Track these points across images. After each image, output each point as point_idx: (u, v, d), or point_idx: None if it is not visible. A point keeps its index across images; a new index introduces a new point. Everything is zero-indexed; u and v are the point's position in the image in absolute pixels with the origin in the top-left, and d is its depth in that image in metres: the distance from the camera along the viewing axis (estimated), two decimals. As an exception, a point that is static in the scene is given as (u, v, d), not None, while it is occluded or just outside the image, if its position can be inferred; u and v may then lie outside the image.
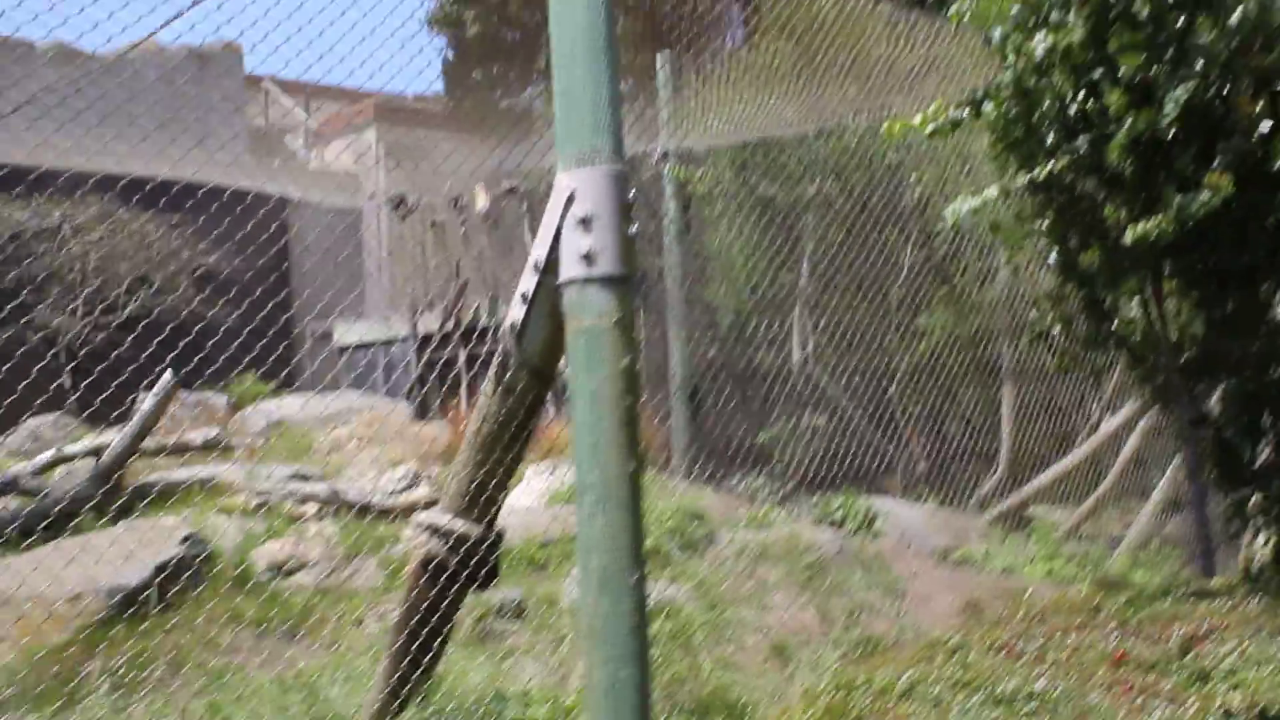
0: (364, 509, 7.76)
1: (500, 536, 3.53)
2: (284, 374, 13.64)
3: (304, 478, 8.54)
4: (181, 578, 5.37)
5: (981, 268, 10.10)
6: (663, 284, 10.77)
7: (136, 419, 8.14)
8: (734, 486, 10.45)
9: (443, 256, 13.39)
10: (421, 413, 12.29)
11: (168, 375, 8.23)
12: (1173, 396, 6.14)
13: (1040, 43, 5.36)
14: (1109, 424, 9.95)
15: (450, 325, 12.80)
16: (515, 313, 3.08)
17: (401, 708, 3.62)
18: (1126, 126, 5.27)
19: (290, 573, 5.91)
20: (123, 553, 5.36)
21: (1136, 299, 6.08)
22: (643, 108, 10.48)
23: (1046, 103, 5.67)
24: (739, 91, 9.29)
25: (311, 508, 7.76)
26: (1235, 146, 5.28)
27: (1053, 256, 6.14)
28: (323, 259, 15.31)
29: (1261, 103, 5.26)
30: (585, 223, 2.85)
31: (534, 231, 12.50)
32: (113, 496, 7.69)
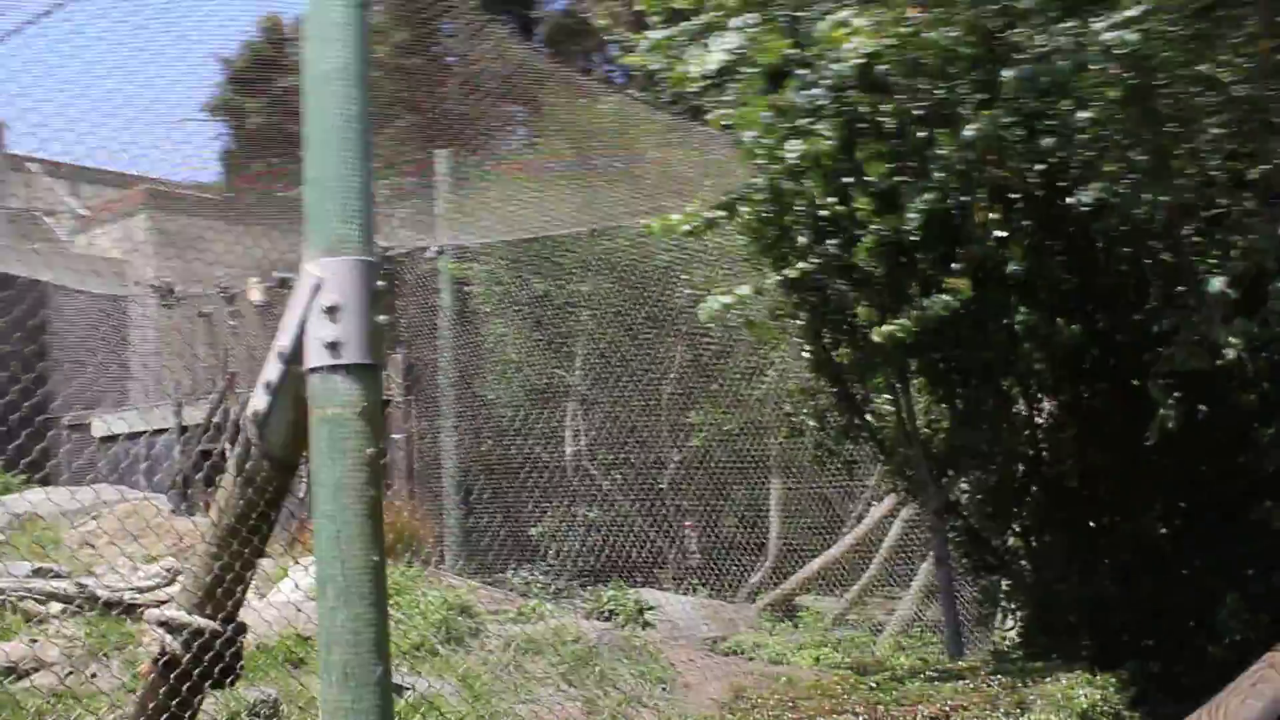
0: (115, 606, 7.38)
1: (241, 631, 3.42)
2: (33, 466, 12.95)
3: (49, 574, 8.07)
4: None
5: (749, 365, 10.43)
6: (436, 377, 10.74)
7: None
8: (507, 580, 10.41)
9: (211, 348, 13.02)
10: (184, 506, 11.85)
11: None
12: (921, 487, 6.41)
13: (793, 149, 5.60)
14: (873, 514, 10.34)
15: (217, 417, 12.43)
16: (258, 401, 3.04)
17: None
18: (872, 231, 5.49)
19: (25, 674, 5.56)
20: None
21: (887, 393, 6.37)
22: (422, 204, 10.53)
23: (798, 206, 5.90)
24: (516, 190, 9.43)
25: (57, 606, 7.34)
26: (972, 252, 5.57)
27: (805, 352, 6.37)
28: (84, 348, 14.69)
29: (995, 211, 5.62)
30: (331, 311, 2.85)
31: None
32: None
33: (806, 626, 9.57)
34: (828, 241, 5.88)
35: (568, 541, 10.61)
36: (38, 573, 8.12)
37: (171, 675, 3.32)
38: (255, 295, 13.06)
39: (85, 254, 15.81)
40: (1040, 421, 6.63)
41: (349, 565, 2.83)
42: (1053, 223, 6.00)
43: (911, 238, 5.50)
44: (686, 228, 6.04)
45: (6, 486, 11.12)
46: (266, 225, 12.91)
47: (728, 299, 5.87)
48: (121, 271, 14.96)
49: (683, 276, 10.16)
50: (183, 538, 9.26)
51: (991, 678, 5.39)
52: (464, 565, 10.77)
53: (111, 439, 13.89)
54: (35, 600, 7.52)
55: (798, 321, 6.35)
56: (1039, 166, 5.61)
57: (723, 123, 5.97)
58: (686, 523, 10.61)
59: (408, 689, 5.55)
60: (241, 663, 3.50)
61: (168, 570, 8.03)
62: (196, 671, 3.33)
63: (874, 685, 5.31)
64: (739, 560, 10.54)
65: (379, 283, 2.92)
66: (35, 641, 5.94)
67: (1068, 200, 5.62)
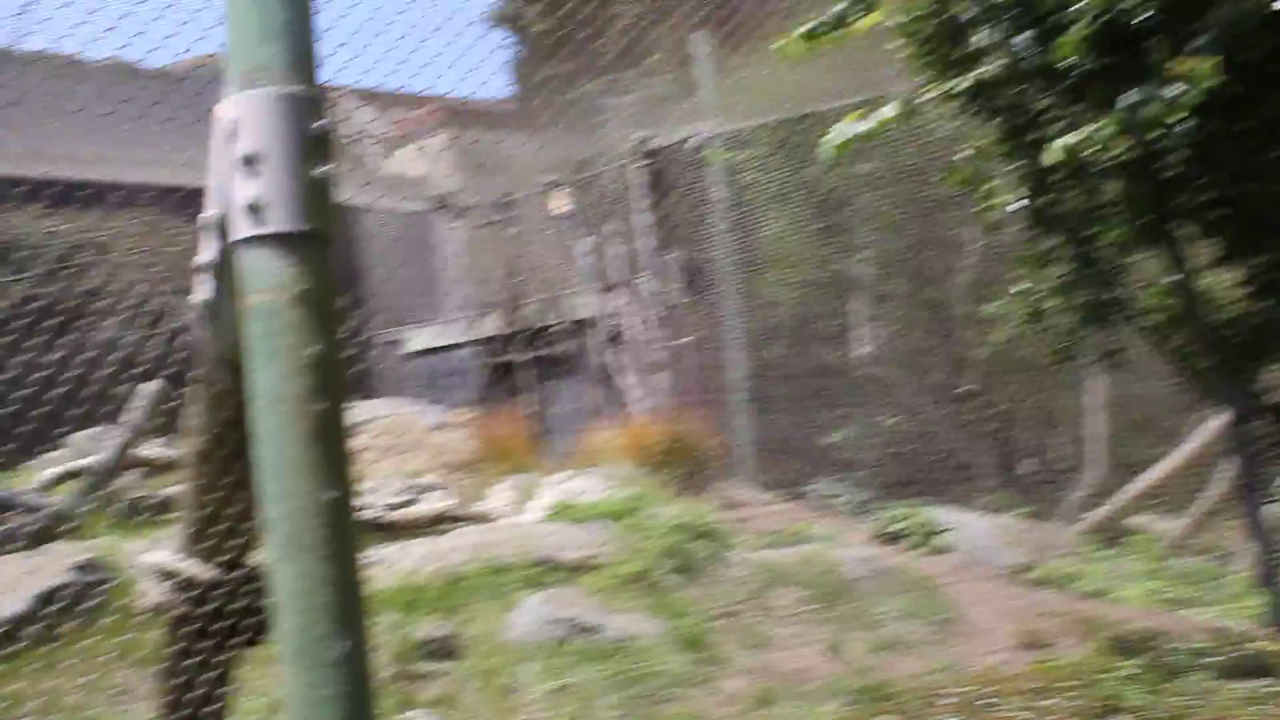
0: (366, 524, 7.13)
1: (255, 576, 2.77)
2: (357, 386, 13.28)
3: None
4: (76, 609, 4.76)
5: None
6: (714, 276, 9.99)
7: (123, 430, 7.69)
8: (802, 495, 9.61)
9: (503, 259, 12.85)
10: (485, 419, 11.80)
11: (156, 381, 7.76)
12: (1212, 385, 4.76)
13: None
14: (1218, 419, 8.64)
15: (509, 327, 12.27)
16: (202, 289, 2.33)
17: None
18: (1081, 10, 3.88)
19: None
20: (9, 581, 4.79)
21: (1147, 253, 4.71)
22: (686, 91, 9.77)
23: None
24: (779, 66, 8.39)
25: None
26: (1224, 17, 3.75)
27: (1019, 201, 4.67)
28: (393, 265, 14.92)
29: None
30: (249, 162, 2.09)
31: (588, 229, 11.85)
32: (96, 513, 7.28)
33: (1138, 553, 8.15)
34: (1019, 35, 4.20)
35: (864, 452, 9.63)
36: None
37: (179, 632, 2.74)
38: (558, 204, 12.74)
39: (391, 175, 16.05)
40: None
41: (293, 503, 2.08)
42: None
43: (1141, 14, 3.83)
44: (802, 31, 4.65)
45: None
46: (555, 131, 12.57)
47: (863, 126, 4.44)
48: (423, 189, 15.05)
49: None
50: (443, 452, 9.02)
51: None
52: (754, 478, 10.05)
53: (419, 354, 14.03)
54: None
55: (1003, 158, 4.64)
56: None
57: None
58: (991, 430, 9.35)
59: (600, 629, 4.84)
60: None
61: (417, 486, 7.74)
62: (210, 626, 2.73)
63: (1131, 674, 3.99)
64: (1057, 474, 9.18)
65: (317, 124, 2.13)
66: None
67: None
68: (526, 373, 12.19)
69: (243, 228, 2.08)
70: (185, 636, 2.73)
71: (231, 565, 2.70)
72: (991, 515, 8.65)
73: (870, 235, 9.51)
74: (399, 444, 8.84)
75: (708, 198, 9.94)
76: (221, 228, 2.22)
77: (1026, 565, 7.68)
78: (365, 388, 13.47)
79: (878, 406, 9.69)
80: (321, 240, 2.10)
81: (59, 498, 7.83)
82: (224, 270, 2.29)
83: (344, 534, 2.10)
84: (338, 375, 2.12)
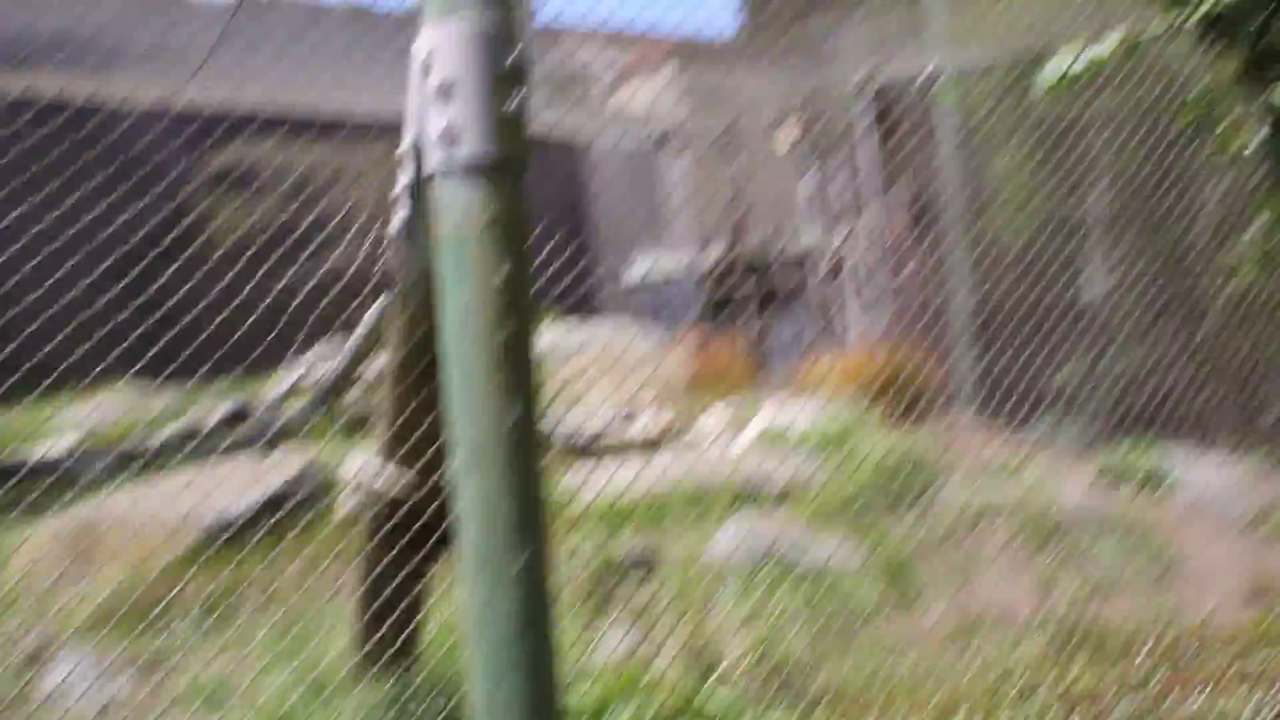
0: (573, 446, 7.34)
1: (443, 487, 2.92)
2: (584, 312, 13.61)
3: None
4: (291, 509, 5.14)
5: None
6: (940, 211, 9.75)
7: (348, 347, 8.08)
8: (1026, 431, 9.36)
9: (729, 189, 12.87)
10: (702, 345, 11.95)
11: (380, 302, 8.13)
12: None
13: None
14: None
15: (731, 258, 12.32)
16: (400, 214, 2.46)
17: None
18: None
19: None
20: (238, 482, 5.19)
21: None
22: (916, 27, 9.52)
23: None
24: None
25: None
26: None
27: (1256, 143, 4.42)
28: (619, 196, 15.12)
29: None
30: (444, 93, 2.18)
31: (813, 163, 11.71)
32: (321, 424, 7.72)
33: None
34: None
35: (1091, 391, 9.29)
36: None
37: (377, 534, 2.92)
38: (784, 138, 12.66)
39: (618, 111, 16.23)
40: None
41: (478, 422, 2.19)
42: None
43: None
44: None
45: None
46: (782, 66, 12.44)
47: (1080, 63, 4.06)
48: (649, 123, 15.18)
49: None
50: (658, 377, 9.13)
51: None
52: (973, 413, 9.84)
53: (642, 282, 14.22)
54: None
55: (1241, 95, 4.11)
56: None
57: None
58: (1232, 372, 8.84)
59: (802, 555, 4.87)
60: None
61: (632, 409, 7.89)
62: (408, 530, 2.90)
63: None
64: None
65: (511, 54, 2.19)
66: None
67: None
68: (747, 303, 12.24)
69: (437, 156, 2.18)
70: (378, 541, 2.91)
71: (422, 476, 2.85)
72: (1226, 462, 8.24)
73: (1105, 173, 9.07)
74: (617, 367, 8.99)
75: (935, 133, 9.68)
76: (417, 157, 2.33)
77: (1261, 517, 7.30)
78: (588, 312, 13.80)
79: (1108, 348, 9.30)
80: (513, 169, 2.18)
81: (290, 408, 8.35)
82: (419, 198, 2.42)
83: (527, 453, 2.20)
84: (525, 300, 2.21)
